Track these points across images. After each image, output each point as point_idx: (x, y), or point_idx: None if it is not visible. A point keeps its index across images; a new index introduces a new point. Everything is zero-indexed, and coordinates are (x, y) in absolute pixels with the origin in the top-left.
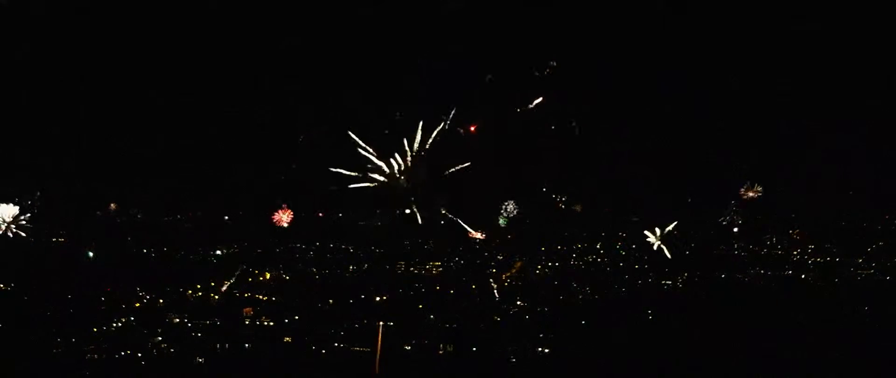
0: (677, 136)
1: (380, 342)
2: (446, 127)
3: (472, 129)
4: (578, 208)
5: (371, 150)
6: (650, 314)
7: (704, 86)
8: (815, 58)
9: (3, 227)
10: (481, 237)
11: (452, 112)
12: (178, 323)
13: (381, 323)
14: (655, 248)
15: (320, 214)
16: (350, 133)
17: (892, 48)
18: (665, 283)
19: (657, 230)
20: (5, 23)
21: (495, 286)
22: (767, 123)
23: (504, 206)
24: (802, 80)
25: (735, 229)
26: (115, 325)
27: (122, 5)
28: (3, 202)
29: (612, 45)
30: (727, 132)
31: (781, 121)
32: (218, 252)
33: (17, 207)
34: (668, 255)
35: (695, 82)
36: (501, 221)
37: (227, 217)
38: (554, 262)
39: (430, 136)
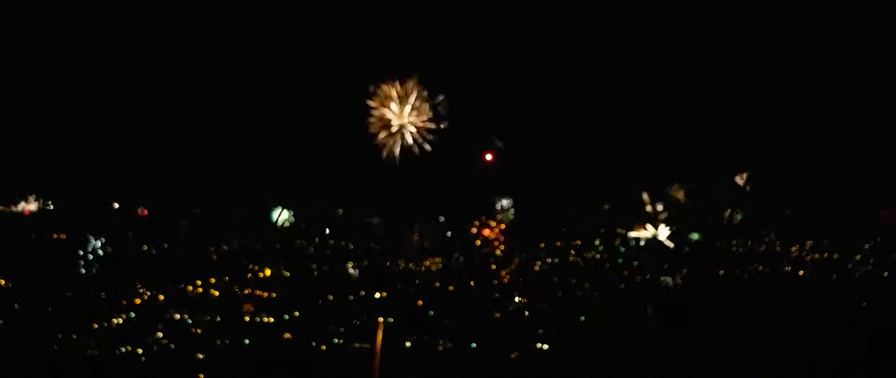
0: (673, 130)
1: (380, 339)
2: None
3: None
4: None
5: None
6: (649, 311)
7: (700, 80)
8: (811, 53)
9: None
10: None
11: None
12: (178, 319)
13: (381, 319)
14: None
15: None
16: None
17: (890, 45)
18: (664, 280)
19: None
20: (5, 22)
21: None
22: (765, 119)
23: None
24: (799, 76)
25: (733, 223)
26: (115, 321)
27: (123, 5)
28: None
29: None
30: (723, 127)
31: (778, 116)
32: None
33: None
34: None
35: (691, 77)
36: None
37: (226, 213)
38: (553, 259)
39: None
